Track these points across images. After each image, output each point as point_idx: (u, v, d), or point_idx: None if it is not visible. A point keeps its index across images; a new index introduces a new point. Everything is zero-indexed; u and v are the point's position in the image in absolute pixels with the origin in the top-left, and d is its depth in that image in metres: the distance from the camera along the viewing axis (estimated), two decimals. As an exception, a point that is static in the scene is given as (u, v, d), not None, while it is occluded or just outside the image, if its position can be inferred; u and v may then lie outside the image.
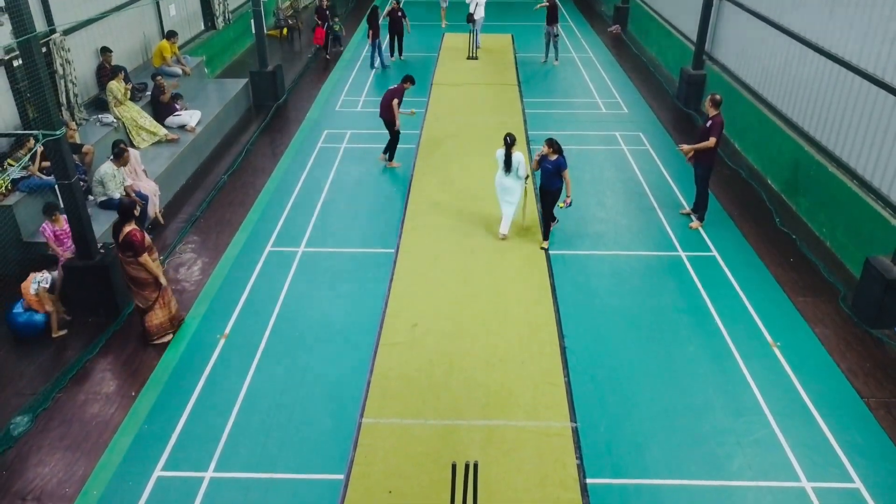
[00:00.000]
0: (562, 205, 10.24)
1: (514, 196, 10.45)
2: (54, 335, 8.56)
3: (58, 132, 7.88)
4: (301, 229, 11.12)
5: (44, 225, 9.03)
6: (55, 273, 8.84)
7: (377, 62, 19.76)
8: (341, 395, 7.70)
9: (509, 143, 10.14)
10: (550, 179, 10.08)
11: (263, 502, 6.41)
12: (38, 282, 8.52)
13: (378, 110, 13.32)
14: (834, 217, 10.60)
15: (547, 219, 10.63)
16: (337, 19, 21.57)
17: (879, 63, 9.72)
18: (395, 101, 12.85)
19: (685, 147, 10.95)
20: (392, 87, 13.20)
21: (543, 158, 9.97)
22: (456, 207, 11.72)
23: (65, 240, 9.02)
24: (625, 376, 8.01)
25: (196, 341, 8.58)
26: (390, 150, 13.43)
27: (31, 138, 8.83)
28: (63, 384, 7.83)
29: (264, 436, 7.16)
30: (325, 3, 20.67)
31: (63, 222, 9.06)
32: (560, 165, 9.87)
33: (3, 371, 8.08)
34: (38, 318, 8.50)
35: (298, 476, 6.70)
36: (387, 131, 13.31)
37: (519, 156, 10.22)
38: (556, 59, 20.21)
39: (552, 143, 9.85)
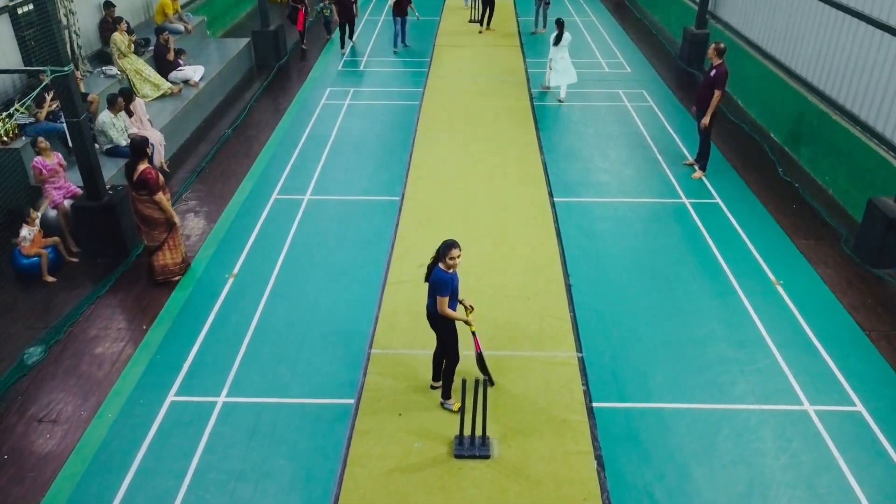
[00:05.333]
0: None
1: (562, 61, 14.22)
2: (45, 279, 8.59)
3: (66, 68, 7.90)
4: (306, 178, 11.17)
5: (35, 160, 8.99)
6: (43, 212, 8.84)
7: (398, 42, 18.05)
8: (350, 329, 7.80)
9: (561, 23, 14.19)
10: (430, 295, 6.31)
11: (276, 423, 6.53)
12: (26, 235, 8.54)
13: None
14: (836, 164, 10.66)
15: (448, 366, 6.56)
16: (327, 2, 18.85)
17: (885, 7, 9.73)
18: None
19: (704, 122, 10.82)
20: None
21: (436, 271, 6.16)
22: (460, 160, 11.76)
23: (55, 180, 9.03)
24: (629, 311, 8.11)
25: (205, 280, 8.66)
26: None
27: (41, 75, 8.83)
28: (75, 318, 7.93)
29: (275, 364, 7.27)
30: None
31: (53, 157, 9.05)
32: (432, 281, 6.15)
33: (14, 307, 8.18)
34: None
35: (309, 400, 6.82)
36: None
37: (568, 35, 14.16)
38: (544, 27, 19.72)
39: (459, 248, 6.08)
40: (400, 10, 17.49)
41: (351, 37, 18.18)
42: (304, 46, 18.20)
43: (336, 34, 18.38)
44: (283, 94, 14.96)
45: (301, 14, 17.66)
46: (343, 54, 17.65)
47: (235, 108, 14.26)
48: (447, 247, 6.05)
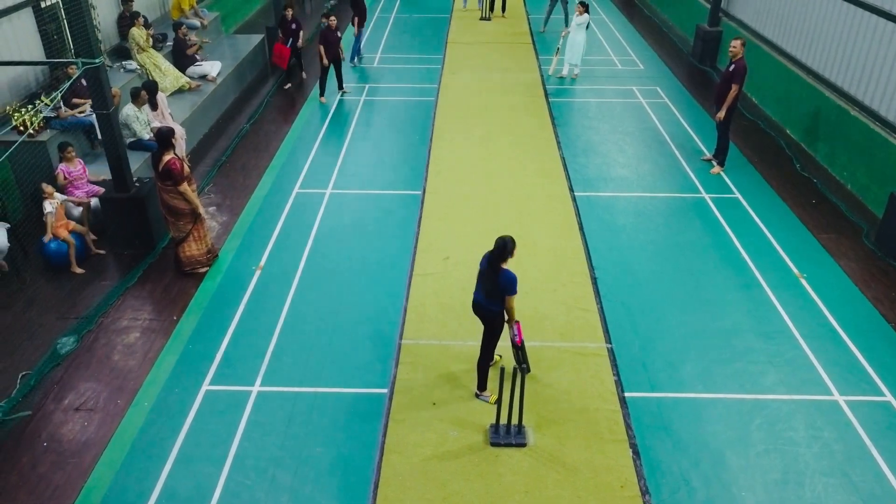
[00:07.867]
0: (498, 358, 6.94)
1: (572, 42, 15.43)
2: (73, 270, 8.61)
3: (97, 60, 7.95)
4: (327, 173, 11.22)
5: (60, 166, 9.09)
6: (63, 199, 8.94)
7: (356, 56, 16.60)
8: (379, 320, 7.85)
9: (587, 4, 15.28)
10: (492, 294, 6.23)
11: (311, 412, 6.58)
12: (49, 209, 8.54)
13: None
14: (855, 160, 10.72)
15: (483, 362, 6.69)
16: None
17: (905, 3, 9.80)
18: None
19: (719, 115, 10.92)
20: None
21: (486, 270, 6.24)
22: (478, 155, 11.82)
23: (77, 183, 9.12)
24: (655, 303, 8.16)
25: (232, 272, 8.71)
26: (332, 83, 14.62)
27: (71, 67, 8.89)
28: (105, 309, 7.97)
29: (307, 355, 7.31)
30: (290, 12, 14.80)
31: (77, 164, 9.15)
32: (504, 282, 6.08)
33: (43, 297, 8.22)
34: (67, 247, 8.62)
35: (343, 390, 6.87)
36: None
37: (586, 16, 15.25)
38: (567, 26, 19.30)
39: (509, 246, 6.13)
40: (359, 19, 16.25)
41: (340, 85, 14.61)
42: (287, 87, 15.16)
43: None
44: (299, 91, 15.00)
45: (278, 48, 14.92)
46: (324, 104, 14.15)
47: (252, 103, 14.31)
48: (514, 244, 6.16)
